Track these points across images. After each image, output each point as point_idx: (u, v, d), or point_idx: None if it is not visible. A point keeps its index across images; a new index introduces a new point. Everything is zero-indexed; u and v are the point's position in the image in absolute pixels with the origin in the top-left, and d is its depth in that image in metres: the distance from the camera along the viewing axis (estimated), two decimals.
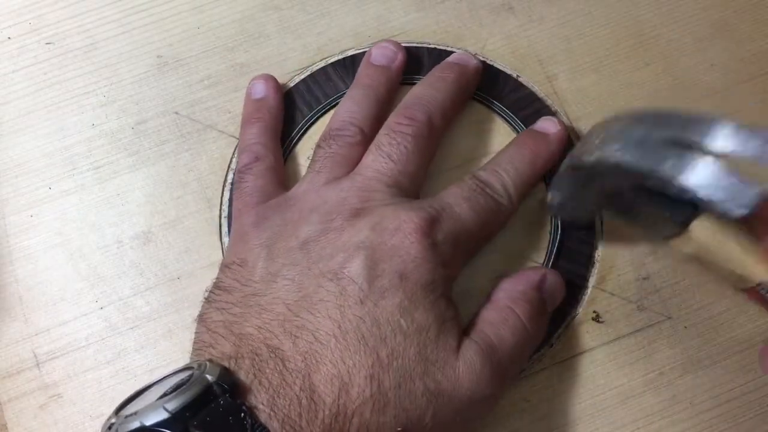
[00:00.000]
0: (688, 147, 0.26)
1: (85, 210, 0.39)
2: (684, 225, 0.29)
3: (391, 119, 0.37)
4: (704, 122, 0.26)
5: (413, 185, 0.36)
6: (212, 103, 0.41)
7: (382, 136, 0.36)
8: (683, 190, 0.26)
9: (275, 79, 0.40)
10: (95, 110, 0.41)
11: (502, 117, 0.40)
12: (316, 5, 0.43)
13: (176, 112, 0.41)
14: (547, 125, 0.38)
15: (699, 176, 0.25)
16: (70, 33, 0.42)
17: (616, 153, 0.28)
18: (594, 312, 0.37)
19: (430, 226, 0.33)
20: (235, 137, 0.40)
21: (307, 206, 0.34)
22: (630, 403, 0.36)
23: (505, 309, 0.34)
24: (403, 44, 0.41)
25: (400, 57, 0.39)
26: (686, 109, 0.27)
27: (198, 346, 0.32)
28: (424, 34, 0.42)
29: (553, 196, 0.35)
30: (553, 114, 0.40)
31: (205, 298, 0.34)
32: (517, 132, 0.40)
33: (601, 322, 0.37)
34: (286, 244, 0.33)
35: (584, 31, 0.42)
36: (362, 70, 0.39)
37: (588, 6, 0.42)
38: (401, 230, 0.32)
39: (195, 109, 0.41)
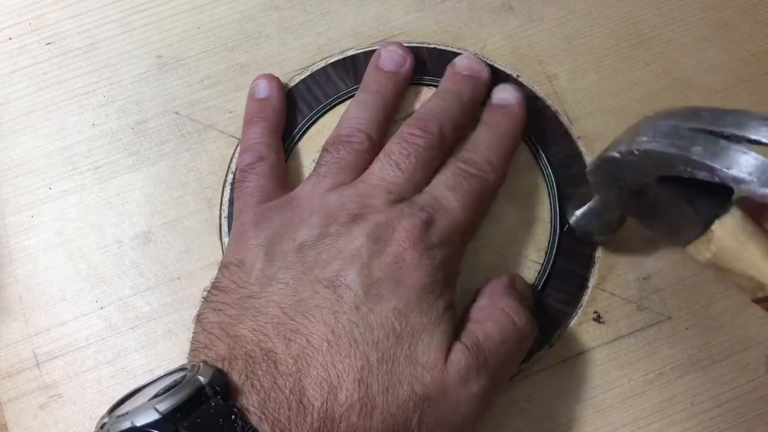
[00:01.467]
0: (720, 136, 0.27)
1: (85, 210, 0.39)
2: (706, 224, 0.29)
3: (405, 129, 0.37)
4: (735, 114, 0.27)
5: (417, 192, 0.36)
6: (212, 103, 0.41)
7: (393, 145, 0.36)
8: (718, 173, 0.26)
9: (278, 79, 0.40)
10: (95, 110, 0.41)
11: None
12: (316, 5, 0.43)
13: (176, 112, 0.41)
14: (506, 96, 0.39)
15: (734, 160, 0.26)
16: (70, 33, 0.42)
17: (645, 142, 0.28)
18: (594, 312, 0.37)
19: (424, 231, 0.33)
20: (235, 137, 0.40)
21: (308, 209, 0.34)
22: (630, 403, 0.36)
23: (489, 307, 0.34)
24: (404, 44, 0.41)
25: (408, 62, 0.39)
26: (715, 106, 0.28)
27: (194, 346, 0.32)
28: (424, 34, 0.42)
29: (575, 215, 0.36)
30: (554, 113, 0.40)
31: (203, 298, 0.34)
32: None
33: (602, 322, 0.37)
34: (283, 246, 0.33)
35: (584, 31, 0.42)
36: (371, 74, 0.39)
37: (588, 6, 0.42)
38: (396, 240, 0.33)
39: (195, 109, 0.41)
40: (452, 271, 0.34)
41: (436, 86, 0.40)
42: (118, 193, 0.40)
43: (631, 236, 0.38)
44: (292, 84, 0.41)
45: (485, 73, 0.39)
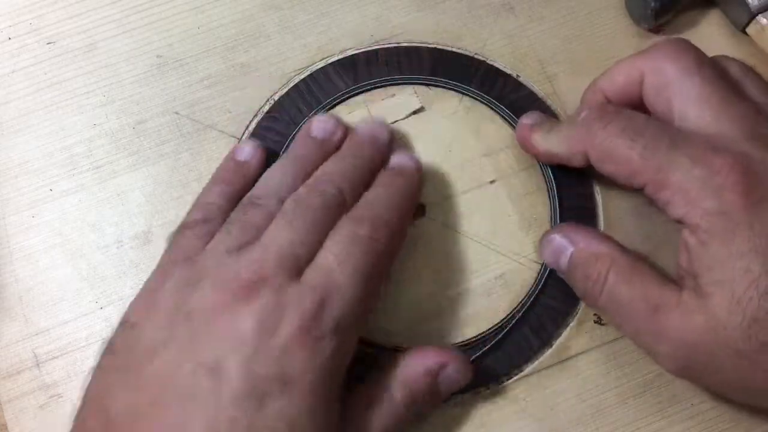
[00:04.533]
0: None
1: (85, 210, 0.39)
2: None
3: (302, 190, 0.35)
4: None
5: (310, 254, 0.33)
6: (212, 103, 0.41)
7: (288, 205, 0.34)
8: None
9: (265, 149, 0.39)
10: (95, 110, 0.41)
11: (502, 117, 0.40)
12: (316, 5, 0.43)
13: (176, 112, 0.41)
14: (404, 160, 0.38)
15: None
16: (70, 33, 0.42)
17: None
18: (595, 314, 0.37)
19: (314, 318, 0.31)
20: (235, 137, 0.40)
21: (204, 270, 0.33)
22: (630, 403, 0.36)
23: (385, 395, 0.33)
24: (403, 44, 0.41)
25: (339, 133, 0.38)
26: None
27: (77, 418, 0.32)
28: (424, 34, 0.42)
29: None
30: (553, 114, 0.40)
31: (96, 363, 0.32)
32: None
33: (603, 324, 0.37)
34: (174, 313, 0.32)
35: (584, 31, 0.42)
36: (300, 141, 0.38)
37: (588, 6, 0.42)
38: (284, 329, 0.30)
39: (195, 109, 0.41)
40: (344, 360, 0.32)
41: (433, 85, 0.41)
42: (118, 193, 0.40)
43: (632, 236, 0.38)
44: (292, 84, 0.41)
45: (385, 136, 0.38)
